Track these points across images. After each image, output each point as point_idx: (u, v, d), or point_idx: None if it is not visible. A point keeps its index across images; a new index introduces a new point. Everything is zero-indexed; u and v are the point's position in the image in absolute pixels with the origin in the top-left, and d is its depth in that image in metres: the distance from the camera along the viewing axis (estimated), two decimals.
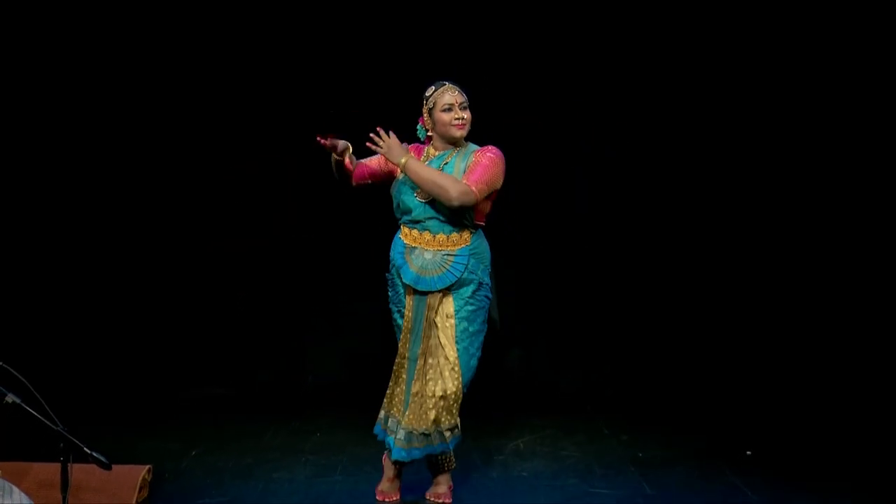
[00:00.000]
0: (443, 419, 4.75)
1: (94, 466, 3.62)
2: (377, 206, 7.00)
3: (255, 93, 7.04)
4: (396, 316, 4.86)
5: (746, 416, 6.48)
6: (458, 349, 4.69)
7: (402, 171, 4.67)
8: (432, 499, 4.94)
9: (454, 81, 4.70)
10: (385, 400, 4.93)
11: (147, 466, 4.96)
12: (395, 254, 4.80)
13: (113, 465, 3.66)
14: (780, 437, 6.09)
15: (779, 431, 6.20)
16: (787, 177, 6.93)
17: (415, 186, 4.64)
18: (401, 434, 4.79)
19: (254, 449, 5.83)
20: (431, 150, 4.72)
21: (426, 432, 4.76)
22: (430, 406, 4.73)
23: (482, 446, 5.85)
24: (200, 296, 7.15)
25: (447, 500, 4.90)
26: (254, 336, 7.19)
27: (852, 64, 6.77)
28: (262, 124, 7.07)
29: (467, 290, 4.69)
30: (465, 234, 4.69)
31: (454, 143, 4.68)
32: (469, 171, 4.61)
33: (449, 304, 4.69)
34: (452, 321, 4.68)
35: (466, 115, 4.63)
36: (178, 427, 6.30)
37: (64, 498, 3.66)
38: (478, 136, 4.83)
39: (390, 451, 4.87)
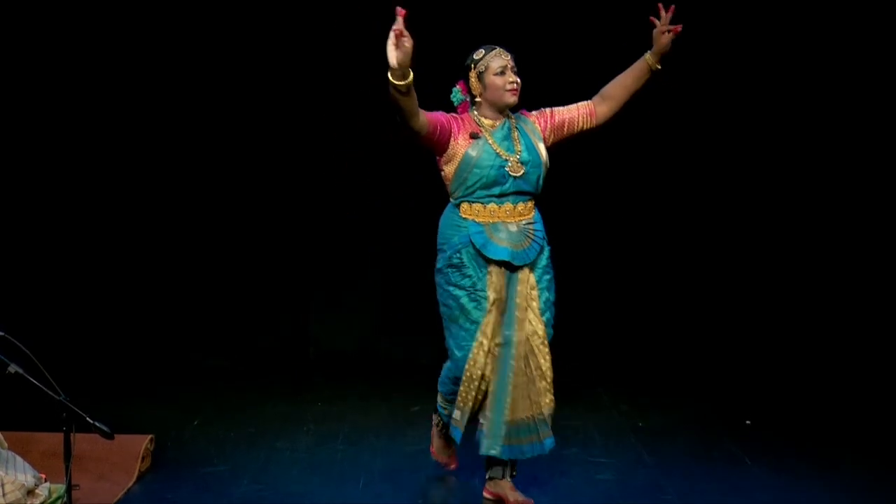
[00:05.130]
0: (549, 400, 4.48)
1: (96, 436, 3.68)
2: (379, 178, 7.07)
3: (259, 79, 7.06)
4: (465, 301, 4.37)
5: (746, 386, 6.52)
6: (543, 321, 4.45)
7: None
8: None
9: (503, 45, 4.43)
10: (465, 395, 4.42)
11: (149, 436, 4.99)
12: (471, 234, 4.35)
13: (115, 435, 3.72)
14: (779, 406, 6.13)
15: (778, 401, 6.24)
16: (777, 163, 6.99)
17: (504, 162, 4.31)
18: (502, 430, 4.38)
19: (256, 418, 5.86)
20: (485, 120, 4.40)
21: (536, 419, 4.43)
22: (539, 389, 4.43)
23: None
24: (204, 267, 7.17)
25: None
26: (256, 307, 7.22)
27: (852, 64, 6.80)
28: (266, 107, 7.08)
29: (543, 259, 4.46)
30: (533, 202, 4.47)
31: (502, 110, 4.40)
32: (563, 110, 4.47)
33: (532, 276, 4.42)
34: (536, 293, 4.42)
35: (518, 79, 4.37)
36: (181, 397, 6.34)
37: (67, 467, 3.70)
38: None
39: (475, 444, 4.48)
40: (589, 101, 4.49)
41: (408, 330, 7.13)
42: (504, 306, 4.35)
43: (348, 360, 7.08)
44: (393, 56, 4.02)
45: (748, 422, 5.77)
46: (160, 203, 7.13)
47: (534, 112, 4.51)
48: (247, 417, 5.88)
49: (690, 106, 6.95)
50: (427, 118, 4.26)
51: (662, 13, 4.37)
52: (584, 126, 4.48)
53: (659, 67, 4.39)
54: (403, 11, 3.98)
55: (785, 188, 7.00)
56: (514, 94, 4.35)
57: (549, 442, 4.47)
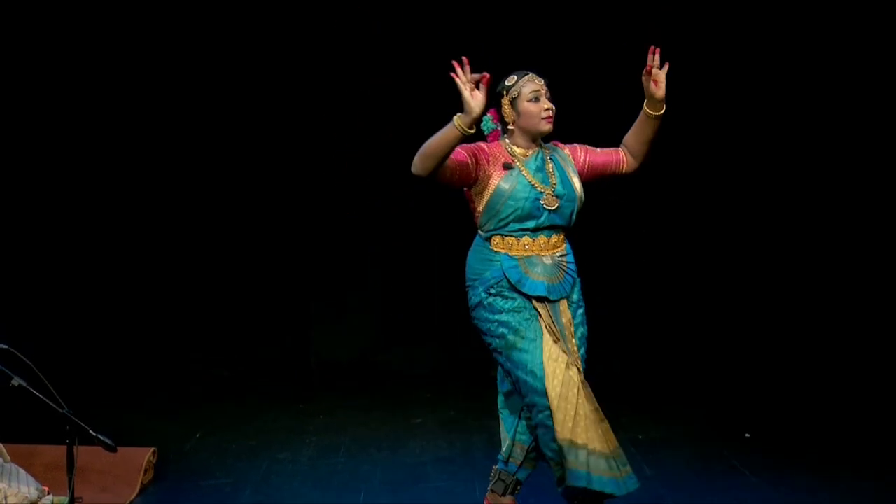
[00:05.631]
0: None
1: (99, 449, 3.66)
2: (379, 179, 7.05)
3: (258, 80, 7.07)
4: (517, 321, 4.04)
5: (745, 399, 6.53)
6: (579, 356, 4.14)
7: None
8: None
9: (536, 70, 4.19)
10: (564, 418, 3.99)
11: (152, 448, 5.01)
12: (505, 269, 4.08)
13: (118, 448, 3.70)
14: (778, 419, 6.14)
15: (777, 413, 6.24)
16: (784, 170, 7.00)
17: (539, 194, 4.08)
18: (602, 464, 4.02)
19: (258, 431, 5.89)
20: (517, 150, 4.15)
21: (616, 453, 4.08)
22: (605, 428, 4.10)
23: (484, 428, 5.84)
24: (205, 279, 7.19)
25: None
26: (258, 319, 7.24)
27: (853, 64, 6.81)
28: (266, 109, 7.09)
29: (575, 293, 4.18)
30: (564, 233, 4.23)
31: (535, 139, 4.16)
32: (601, 154, 4.25)
33: (568, 310, 4.15)
34: (572, 328, 4.13)
35: (553, 106, 4.13)
36: (183, 409, 6.38)
37: (70, 480, 3.69)
38: None
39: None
40: (620, 149, 4.29)
41: (409, 340, 7.18)
42: (560, 337, 4.07)
43: (349, 371, 7.10)
44: (476, 104, 3.80)
45: (748, 434, 5.77)
46: (161, 216, 7.15)
47: (567, 145, 4.29)
48: (248, 429, 5.90)
49: (689, 129, 6.96)
50: (446, 164, 3.97)
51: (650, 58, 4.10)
52: (615, 172, 4.28)
53: (656, 113, 4.12)
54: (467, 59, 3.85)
55: (780, 206, 7.03)
56: (549, 122, 4.12)
57: (632, 480, 4.06)
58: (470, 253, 4.23)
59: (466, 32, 6.83)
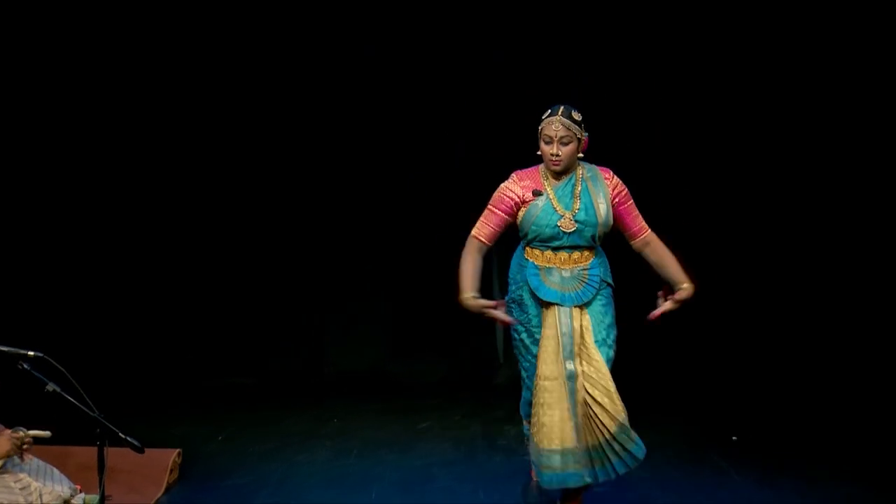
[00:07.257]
0: (621, 408, 4.43)
1: (128, 450, 3.85)
2: (393, 200, 7.22)
3: (269, 86, 7.12)
4: (524, 336, 4.55)
5: (733, 403, 6.59)
6: (596, 342, 4.44)
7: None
8: None
9: (571, 105, 4.36)
10: (543, 436, 4.38)
11: (177, 450, 5.18)
12: (528, 275, 4.47)
13: (145, 449, 3.90)
14: (764, 422, 6.20)
15: (763, 417, 6.31)
16: (779, 174, 7.04)
17: (558, 217, 4.37)
18: (585, 456, 4.38)
19: (276, 434, 6.03)
20: (552, 176, 4.45)
21: (608, 440, 4.40)
22: (609, 411, 4.39)
23: (486, 432, 6.05)
24: (228, 297, 7.31)
25: None
26: (277, 332, 7.36)
27: (853, 64, 6.81)
28: (279, 116, 7.16)
29: (598, 298, 4.51)
30: (591, 250, 4.51)
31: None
32: (630, 216, 4.51)
33: (585, 314, 4.47)
34: (588, 334, 4.43)
35: (563, 151, 4.30)
36: (206, 414, 6.52)
37: (101, 479, 3.86)
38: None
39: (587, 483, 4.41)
40: (645, 234, 4.56)
41: (417, 351, 7.28)
42: (560, 342, 4.37)
43: (362, 379, 7.20)
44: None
45: (735, 437, 5.86)
46: (186, 229, 7.26)
47: (615, 177, 4.48)
48: (268, 433, 6.05)
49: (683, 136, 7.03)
50: (493, 238, 4.51)
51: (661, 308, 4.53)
52: (625, 234, 4.57)
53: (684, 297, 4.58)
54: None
55: (764, 215, 7.07)
56: (556, 165, 4.34)
57: (636, 449, 4.47)
58: (513, 257, 4.64)
59: (470, 37, 6.90)
